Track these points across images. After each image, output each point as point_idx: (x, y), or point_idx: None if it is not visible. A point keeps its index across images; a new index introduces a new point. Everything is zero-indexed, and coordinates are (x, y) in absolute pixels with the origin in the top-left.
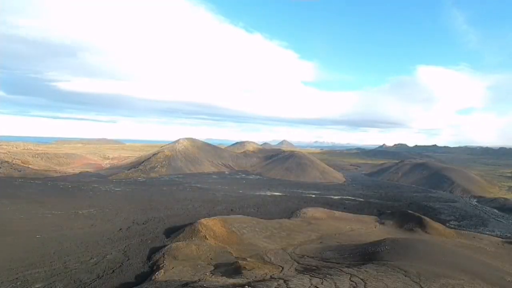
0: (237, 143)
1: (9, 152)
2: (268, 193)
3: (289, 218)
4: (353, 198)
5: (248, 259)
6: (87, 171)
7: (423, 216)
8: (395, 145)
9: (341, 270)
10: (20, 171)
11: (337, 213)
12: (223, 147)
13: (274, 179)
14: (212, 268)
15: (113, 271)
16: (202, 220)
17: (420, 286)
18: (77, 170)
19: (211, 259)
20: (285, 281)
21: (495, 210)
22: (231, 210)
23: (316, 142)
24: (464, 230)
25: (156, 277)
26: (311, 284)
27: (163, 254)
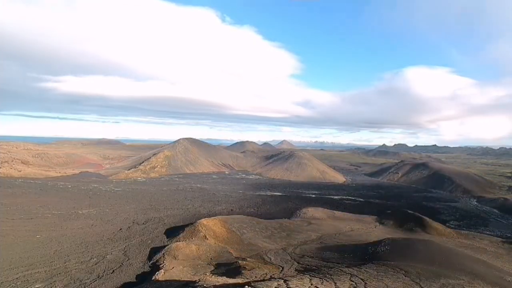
0: (237, 143)
1: (9, 152)
2: (268, 193)
3: (289, 218)
4: (353, 198)
5: (248, 259)
6: (87, 171)
7: (423, 216)
8: (395, 145)
9: (341, 270)
10: (20, 171)
11: (337, 213)
12: (223, 147)
13: (274, 179)
14: (212, 268)
15: (113, 271)
16: (202, 220)
17: (420, 286)
18: (77, 170)
19: (211, 259)
20: (285, 281)
21: (495, 210)
22: (231, 210)
23: (316, 142)
24: (464, 230)
25: (156, 277)
26: (311, 284)
27: (163, 254)
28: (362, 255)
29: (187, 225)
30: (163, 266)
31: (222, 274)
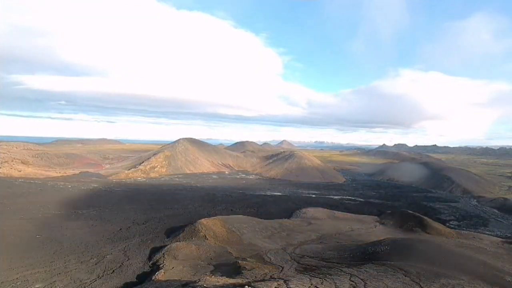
0: (237, 143)
1: (9, 152)
2: (268, 193)
3: (289, 218)
4: (353, 198)
5: (248, 259)
6: (87, 171)
7: (423, 216)
8: (395, 145)
9: (341, 270)
10: (20, 171)
11: (337, 213)
12: (223, 147)
13: (274, 179)
14: (212, 268)
15: (113, 271)
16: (202, 220)
17: (420, 286)
18: (77, 170)
19: (211, 259)
20: (285, 281)
21: (495, 210)
22: (231, 210)
23: (316, 142)
24: (464, 230)
25: (156, 277)
26: (311, 284)
27: (163, 254)
28: (362, 255)
29: (187, 225)
30: (163, 266)
31: (222, 274)
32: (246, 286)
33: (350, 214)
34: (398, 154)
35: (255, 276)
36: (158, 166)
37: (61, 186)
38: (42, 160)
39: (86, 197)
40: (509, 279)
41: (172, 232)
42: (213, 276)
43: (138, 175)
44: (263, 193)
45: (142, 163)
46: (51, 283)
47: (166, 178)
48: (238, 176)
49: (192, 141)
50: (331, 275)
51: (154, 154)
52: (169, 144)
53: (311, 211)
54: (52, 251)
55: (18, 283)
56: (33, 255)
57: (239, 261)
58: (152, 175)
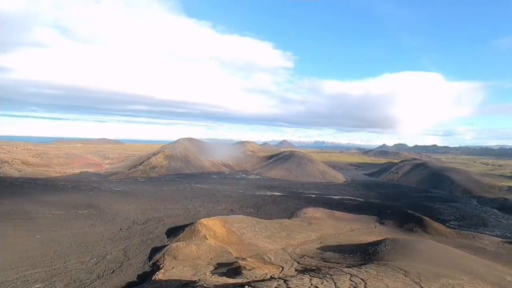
0: (237, 143)
1: (9, 152)
2: (268, 193)
3: (289, 218)
4: (353, 198)
5: (248, 259)
6: (87, 171)
7: (423, 216)
8: (395, 145)
9: (341, 270)
10: (20, 171)
11: (337, 213)
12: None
13: (274, 179)
14: (212, 268)
15: (113, 271)
16: (202, 220)
17: (420, 286)
18: (77, 170)
19: (211, 259)
20: (285, 281)
21: (495, 210)
22: (231, 210)
23: (316, 142)
24: (464, 230)
25: (156, 277)
26: (311, 284)
27: (163, 254)
28: (362, 255)
29: (187, 225)
30: (163, 266)
31: (222, 274)
32: (246, 286)
33: (350, 214)
34: (398, 154)
35: (255, 276)
36: (158, 166)
37: (61, 186)
38: (42, 160)
39: (86, 197)
40: (509, 279)
41: (172, 232)
42: (213, 276)
43: (138, 175)
44: (263, 193)
45: (142, 163)
46: (51, 283)
47: (166, 178)
48: (238, 176)
49: (192, 141)
50: (331, 275)
51: (154, 154)
52: (169, 144)
53: (311, 211)
54: (52, 251)
55: (18, 283)
56: (33, 255)
57: (239, 261)
58: (152, 175)
